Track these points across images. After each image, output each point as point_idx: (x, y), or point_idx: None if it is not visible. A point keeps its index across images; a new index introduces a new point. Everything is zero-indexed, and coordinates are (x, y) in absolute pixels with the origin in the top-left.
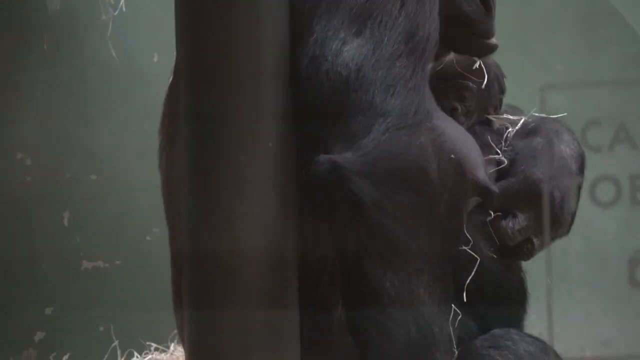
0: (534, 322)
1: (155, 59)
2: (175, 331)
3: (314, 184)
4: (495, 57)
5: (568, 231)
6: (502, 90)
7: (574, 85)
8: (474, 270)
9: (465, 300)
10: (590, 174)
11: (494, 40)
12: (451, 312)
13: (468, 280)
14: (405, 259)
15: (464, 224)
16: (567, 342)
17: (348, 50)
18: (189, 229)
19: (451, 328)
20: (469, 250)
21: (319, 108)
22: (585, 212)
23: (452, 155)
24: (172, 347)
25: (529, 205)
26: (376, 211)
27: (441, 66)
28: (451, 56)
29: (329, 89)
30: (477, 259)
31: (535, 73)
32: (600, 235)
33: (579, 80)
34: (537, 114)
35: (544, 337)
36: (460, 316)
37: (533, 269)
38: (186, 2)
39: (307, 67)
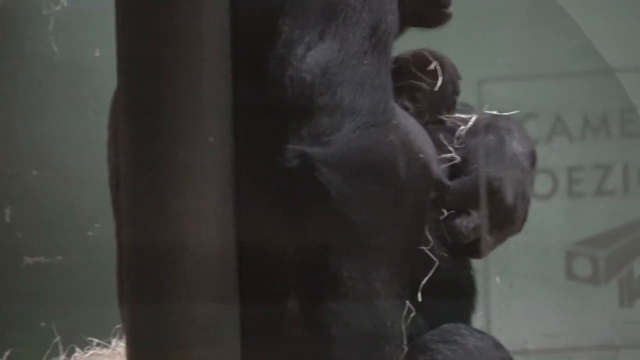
0: (476, 316)
1: (97, 53)
2: (118, 327)
3: (280, 174)
4: (438, 48)
5: (521, 228)
6: (456, 92)
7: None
8: (431, 272)
9: (420, 300)
10: None
11: (450, 9)
12: (405, 308)
13: (424, 281)
14: (365, 252)
15: (426, 223)
16: (509, 334)
17: (312, 54)
18: (129, 222)
19: (403, 325)
20: (428, 252)
21: (287, 109)
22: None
23: (421, 155)
24: (114, 343)
25: (482, 203)
26: (342, 203)
27: (396, 65)
28: (406, 55)
29: (294, 94)
30: (436, 262)
31: (477, 66)
32: (539, 227)
33: (518, 72)
34: (489, 112)
35: (486, 330)
36: (414, 313)
37: (475, 262)
38: None
39: (274, 69)
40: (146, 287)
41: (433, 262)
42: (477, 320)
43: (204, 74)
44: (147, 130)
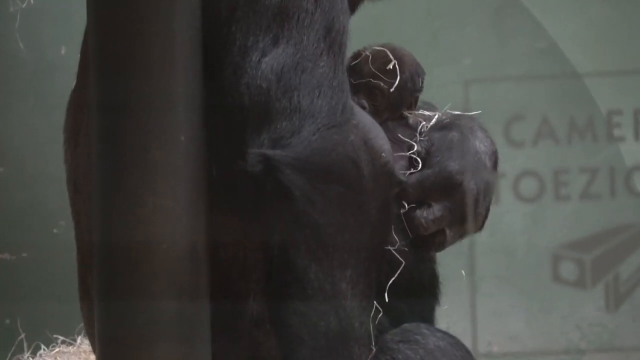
0: (441, 317)
1: (63, 51)
2: (82, 324)
3: (243, 177)
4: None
5: (482, 226)
6: (417, 89)
7: (497, 78)
8: (398, 272)
9: (387, 300)
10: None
11: None
12: (372, 308)
13: (390, 282)
14: (330, 252)
15: (392, 222)
16: (473, 336)
17: (267, 61)
18: (100, 220)
19: (370, 325)
20: (394, 252)
21: (244, 115)
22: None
23: (383, 153)
24: (79, 340)
25: (444, 196)
26: (305, 204)
27: (355, 62)
28: (367, 52)
29: (250, 100)
30: (402, 262)
31: (443, 66)
32: (504, 229)
33: (505, 74)
34: (451, 111)
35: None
36: (381, 313)
37: (442, 262)
38: None
39: (231, 77)
40: (117, 284)
41: (399, 262)
42: (441, 322)
43: (176, 72)
44: (119, 128)
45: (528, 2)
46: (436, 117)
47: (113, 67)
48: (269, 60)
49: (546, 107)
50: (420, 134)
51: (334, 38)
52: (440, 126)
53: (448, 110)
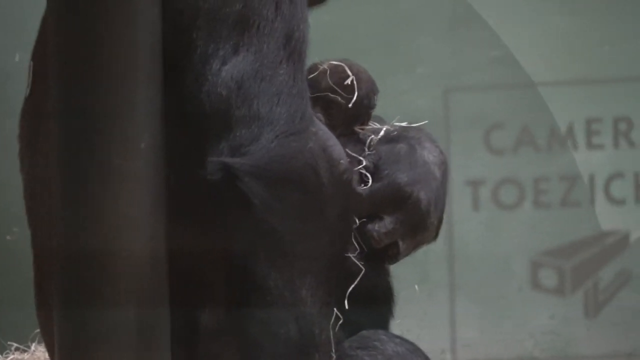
0: (395, 325)
1: (17, 58)
2: (37, 331)
3: (203, 185)
4: (359, 58)
5: (436, 236)
6: (371, 106)
7: (477, 87)
8: (358, 279)
9: (347, 307)
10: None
11: None
12: (333, 315)
13: (350, 289)
14: (290, 259)
15: (352, 229)
16: (427, 344)
17: (227, 69)
18: (60, 228)
19: (331, 332)
20: (354, 259)
21: (204, 123)
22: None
23: (342, 161)
24: (33, 347)
25: (394, 208)
26: (264, 211)
27: (312, 75)
28: (324, 66)
29: (211, 108)
30: (362, 269)
31: (397, 75)
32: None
33: (486, 83)
34: (399, 124)
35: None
36: (341, 320)
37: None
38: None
39: (191, 84)
40: (78, 292)
41: (358, 269)
42: (396, 330)
43: (136, 79)
44: (79, 136)
45: (483, 12)
46: (384, 130)
47: (73, 74)
48: (229, 68)
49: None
50: (369, 148)
51: (294, 46)
52: (388, 139)
53: (396, 123)
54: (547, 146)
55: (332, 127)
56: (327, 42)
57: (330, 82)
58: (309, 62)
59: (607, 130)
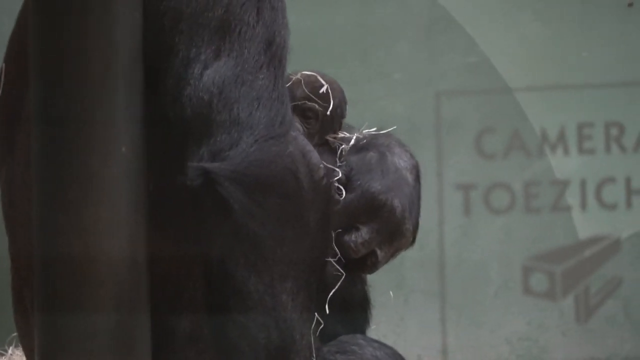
0: (371, 331)
1: None
2: (14, 335)
3: (183, 190)
4: (335, 64)
5: (413, 241)
6: (343, 115)
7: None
8: (339, 283)
9: (327, 312)
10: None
11: None
12: (314, 320)
13: (331, 293)
14: (270, 264)
15: (332, 234)
16: (403, 350)
17: (209, 73)
18: (39, 232)
19: (312, 337)
20: (335, 263)
21: (185, 128)
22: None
23: (321, 165)
24: (10, 351)
25: (370, 218)
26: (244, 216)
27: (288, 85)
28: (299, 76)
29: (192, 112)
30: (343, 274)
31: (373, 81)
32: (437, 243)
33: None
34: (368, 130)
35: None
36: (322, 325)
37: (370, 277)
38: (39, 3)
39: (172, 88)
40: (57, 296)
41: (338, 274)
42: (372, 336)
43: (117, 84)
44: (59, 140)
45: (460, 18)
46: (354, 139)
47: (53, 79)
48: (210, 73)
49: (478, 121)
50: (340, 158)
51: (274, 52)
52: (358, 148)
53: (365, 130)
54: (525, 151)
55: (308, 136)
56: (304, 49)
57: (306, 91)
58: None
59: (598, 135)
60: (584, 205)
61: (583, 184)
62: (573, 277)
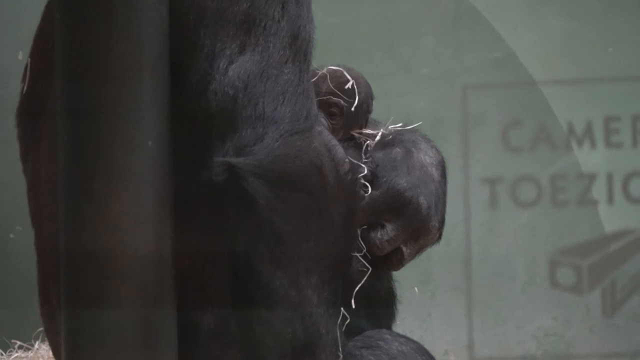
0: (397, 327)
1: (20, 56)
2: (40, 329)
3: (207, 185)
4: (360, 59)
5: (439, 237)
6: (370, 111)
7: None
8: (365, 278)
9: (353, 307)
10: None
11: None
12: (339, 315)
13: (357, 288)
14: (295, 259)
15: (357, 230)
16: (430, 345)
17: (234, 68)
18: (66, 226)
19: (338, 332)
20: (361, 258)
21: (210, 123)
22: (454, 215)
23: (346, 159)
24: (36, 345)
25: (395, 215)
26: (269, 211)
27: (313, 80)
28: (324, 71)
29: (217, 107)
30: (369, 268)
31: (399, 76)
32: (463, 239)
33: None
34: (394, 126)
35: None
36: (348, 320)
37: (398, 272)
38: None
39: (197, 83)
40: (83, 291)
41: (364, 269)
42: (399, 331)
43: (143, 78)
44: (85, 134)
45: (485, 12)
46: (379, 135)
47: (79, 73)
48: (235, 68)
49: (503, 115)
50: (365, 153)
51: (299, 46)
52: (384, 144)
53: (390, 125)
54: (550, 145)
55: (333, 131)
56: (329, 44)
57: (331, 86)
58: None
59: (625, 129)
60: (610, 199)
61: (610, 177)
62: (599, 272)
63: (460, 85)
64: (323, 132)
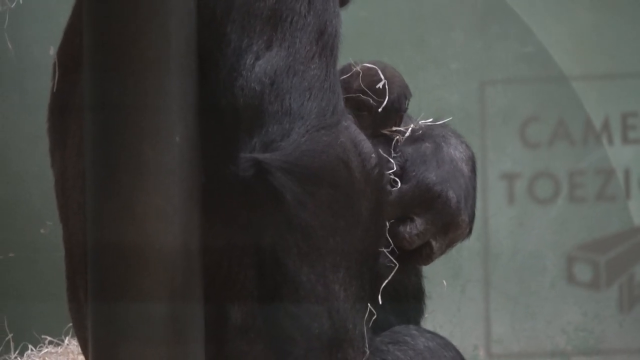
0: (427, 321)
1: (51, 51)
2: (70, 325)
3: (234, 181)
4: (390, 53)
5: (469, 232)
6: (402, 109)
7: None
8: (392, 274)
9: (380, 302)
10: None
11: None
12: (367, 310)
13: (384, 283)
14: (322, 254)
15: (385, 225)
16: (460, 340)
17: (261, 64)
18: (93, 221)
19: (365, 327)
20: (388, 254)
21: (237, 118)
22: (484, 209)
23: (373, 155)
24: (66, 341)
25: (425, 209)
26: (296, 206)
27: (345, 76)
28: (358, 68)
29: (244, 103)
30: (396, 264)
31: (429, 70)
32: (493, 233)
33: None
34: (423, 121)
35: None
36: (375, 316)
37: (425, 267)
38: None
39: (225, 79)
40: (110, 285)
41: (391, 264)
42: (428, 325)
43: (171, 72)
44: (112, 128)
45: (516, 6)
46: (409, 130)
47: (107, 66)
48: (262, 63)
49: (535, 110)
50: (395, 149)
51: (326, 41)
52: (413, 139)
53: (420, 120)
54: (582, 140)
55: (361, 128)
56: (359, 38)
57: (361, 85)
58: (341, 57)
59: None
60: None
61: None
62: (617, 267)
63: (489, 79)
64: (350, 127)
